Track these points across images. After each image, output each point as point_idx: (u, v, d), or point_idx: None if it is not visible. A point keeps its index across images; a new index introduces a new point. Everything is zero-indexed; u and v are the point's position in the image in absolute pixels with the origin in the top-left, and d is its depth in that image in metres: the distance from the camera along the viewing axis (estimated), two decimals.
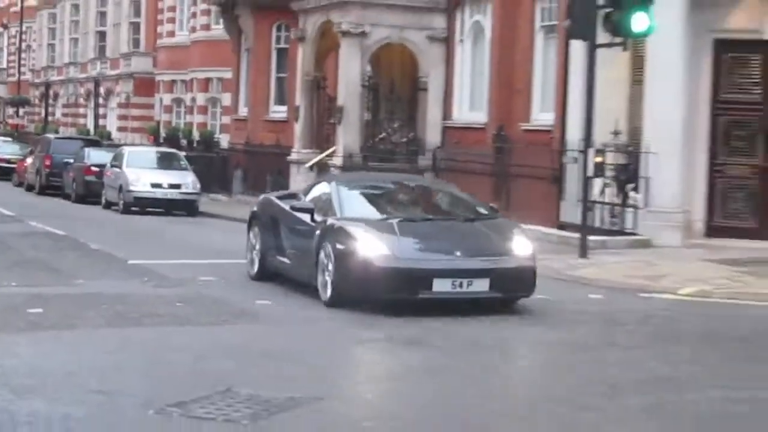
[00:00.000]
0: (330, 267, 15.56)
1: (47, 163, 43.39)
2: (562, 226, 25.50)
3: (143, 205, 34.60)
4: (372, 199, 17.77)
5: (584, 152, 23.13)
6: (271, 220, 18.28)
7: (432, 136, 33.49)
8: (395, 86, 35.23)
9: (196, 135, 50.28)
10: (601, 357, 13.21)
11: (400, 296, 15.27)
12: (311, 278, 16.28)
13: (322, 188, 17.81)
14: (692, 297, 17.95)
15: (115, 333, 13.81)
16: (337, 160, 33.42)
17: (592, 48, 22.35)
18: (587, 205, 23.20)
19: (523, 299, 16.14)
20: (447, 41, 33.78)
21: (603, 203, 24.89)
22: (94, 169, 38.64)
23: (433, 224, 16.98)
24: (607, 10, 21.84)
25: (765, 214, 25.10)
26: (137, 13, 66.50)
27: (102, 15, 71.00)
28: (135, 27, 66.80)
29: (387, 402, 10.85)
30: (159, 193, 34.92)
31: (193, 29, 55.79)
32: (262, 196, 20.97)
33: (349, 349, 13.71)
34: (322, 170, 34.80)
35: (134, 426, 9.39)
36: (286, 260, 17.58)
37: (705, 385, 11.66)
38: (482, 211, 17.50)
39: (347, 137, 33.53)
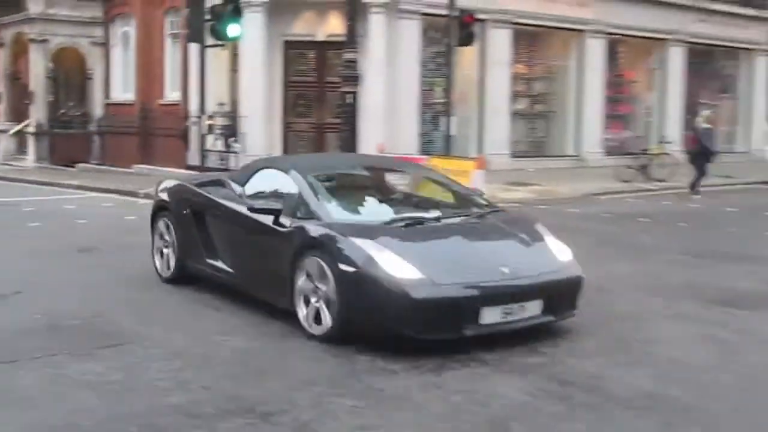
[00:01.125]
0: (325, 293, 7.86)
1: None
2: (189, 168, 25.23)
3: None
4: (353, 193, 9.51)
5: (200, 117, 23.29)
6: (194, 214, 10.08)
7: (97, 110, 32.65)
8: (70, 77, 34.05)
9: None
10: None
11: (441, 335, 7.62)
12: (278, 300, 8.50)
13: (271, 177, 9.52)
14: None
15: None
16: (31, 129, 32.44)
17: (203, 48, 22.36)
18: (204, 153, 23.57)
19: None
20: (105, 45, 32.84)
21: (215, 151, 24.70)
22: None
23: (450, 227, 8.69)
24: (212, 22, 21.81)
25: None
26: None
27: None
28: None
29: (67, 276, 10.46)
30: None
31: None
32: (173, 183, 11.02)
33: (63, 253, 12.60)
34: (20, 136, 33.68)
35: None
36: (225, 267, 9.46)
37: None
38: (477, 200, 9.72)
39: (38, 113, 32.47)
